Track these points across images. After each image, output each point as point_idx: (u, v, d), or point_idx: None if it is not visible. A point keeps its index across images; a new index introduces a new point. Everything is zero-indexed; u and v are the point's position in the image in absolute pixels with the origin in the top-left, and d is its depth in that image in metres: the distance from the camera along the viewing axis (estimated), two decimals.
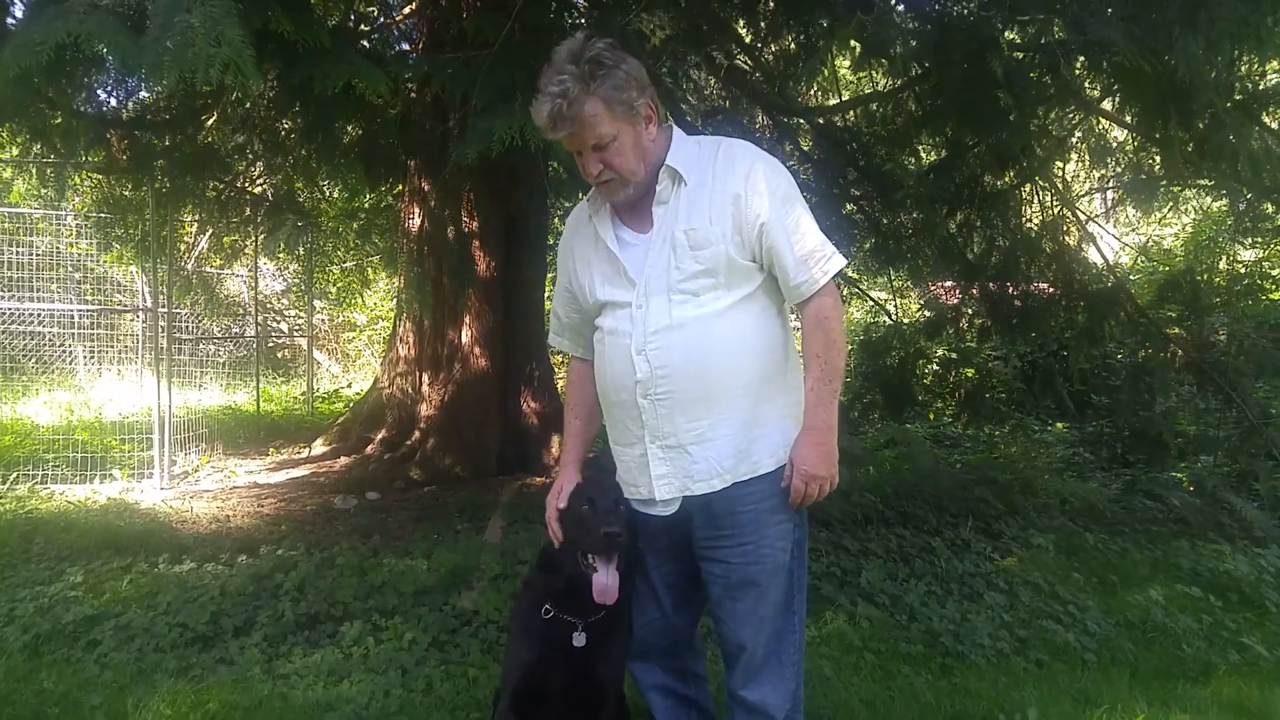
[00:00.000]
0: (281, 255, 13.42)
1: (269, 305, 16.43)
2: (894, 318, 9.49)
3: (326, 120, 5.23)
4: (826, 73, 7.77)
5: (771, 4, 6.34)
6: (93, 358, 12.62)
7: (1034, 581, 4.81)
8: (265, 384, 12.25)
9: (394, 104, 5.71)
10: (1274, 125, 6.07)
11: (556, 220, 8.46)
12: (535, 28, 4.73)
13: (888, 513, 5.94)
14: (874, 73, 7.44)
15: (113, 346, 12.75)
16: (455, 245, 7.47)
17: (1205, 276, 8.83)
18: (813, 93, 8.50)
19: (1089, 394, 10.17)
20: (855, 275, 9.17)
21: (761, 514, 2.37)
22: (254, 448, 8.54)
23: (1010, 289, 7.82)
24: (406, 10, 7.77)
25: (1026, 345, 10.45)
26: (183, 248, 10.43)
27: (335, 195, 10.87)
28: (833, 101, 8.20)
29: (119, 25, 3.07)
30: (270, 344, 16.86)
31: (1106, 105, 7.03)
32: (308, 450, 8.04)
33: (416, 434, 7.54)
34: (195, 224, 10.03)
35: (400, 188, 8.09)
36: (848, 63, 7.95)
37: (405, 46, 7.70)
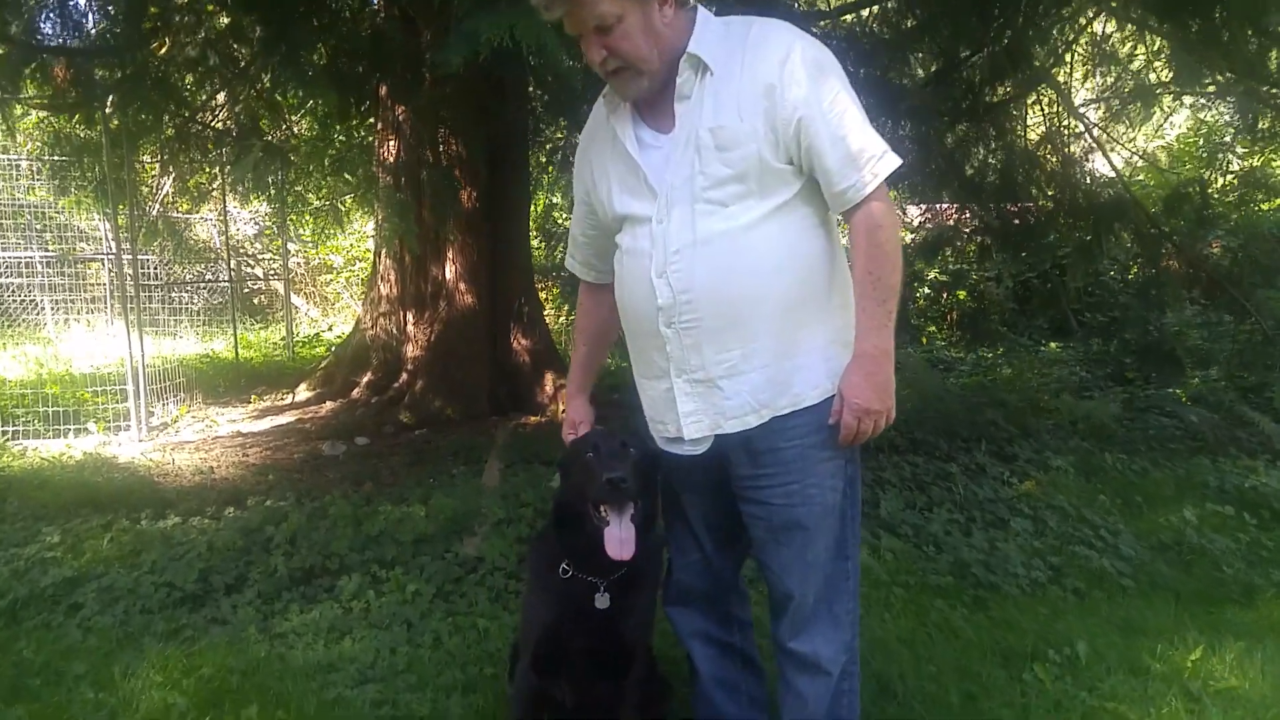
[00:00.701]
0: (251, 196, 12.91)
1: (241, 250, 15.92)
2: None
3: (290, 35, 4.79)
4: None
5: None
6: (60, 309, 12.17)
7: (1059, 506, 4.63)
8: (243, 331, 11.87)
9: (362, 15, 5.26)
10: None
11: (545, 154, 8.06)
12: None
13: (899, 440, 5.73)
14: None
15: (80, 296, 12.29)
16: (434, 176, 7.09)
17: (1215, 185, 8.54)
18: None
19: (1083, 312, 10.00)
20: None
21: (808, 450, 2.11)
22: (235, 396, 8.22)
23: (1010, 206, 7.57)
24: None
25: (1024, 265, 10.24)
26: (146, 191, 9.95)
27: (304, 128, 10.35)
28: (834, 3, 7.78)
29: None
30: (245, 290, 16.40)
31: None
32: (291, 396, 7.74)
33: (404, 376, 7.24)
34: (157, 165, 9.54)
35: (373, 119, 7.65)
36: None
37: None
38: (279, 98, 8.08)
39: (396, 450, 6.25)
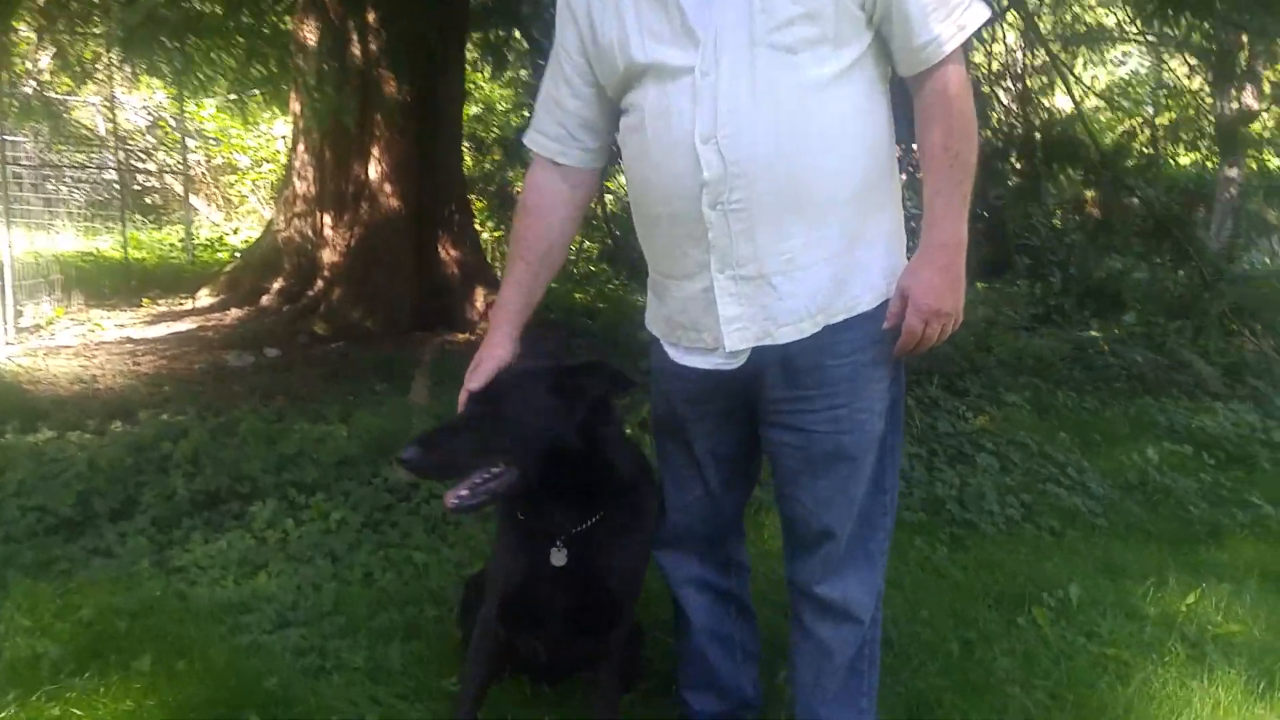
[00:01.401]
0: (142, 75, 11.69)
1: (131, 142, 14.57)
2: None
3: None
4: None
5: None
6: None
7: (1021, 442, 4.45)
8: (133, 230, 10.84)
9: None
10: None
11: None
12: None
13: None
14: None
15: None
16: (359, 62, 6.39)
17: (1164, 126, 8.49)
18: None
19: (1023, 251, 9.97)
20: None
21: (859, 368, 1.76)
22: (123, 300, 7.44)
23: None
24: None
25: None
26: (18, 64, 8.83)
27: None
28: None
29: None
30: (137, 186, 15.09)
31: None
32: (191, 302, 7.03)
33: (319, 283, 6.64)
34: (34, 35, 8.43)
35: None
36: None
37: None
38: None
39: (311, 363, 5.70)
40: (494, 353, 1.89)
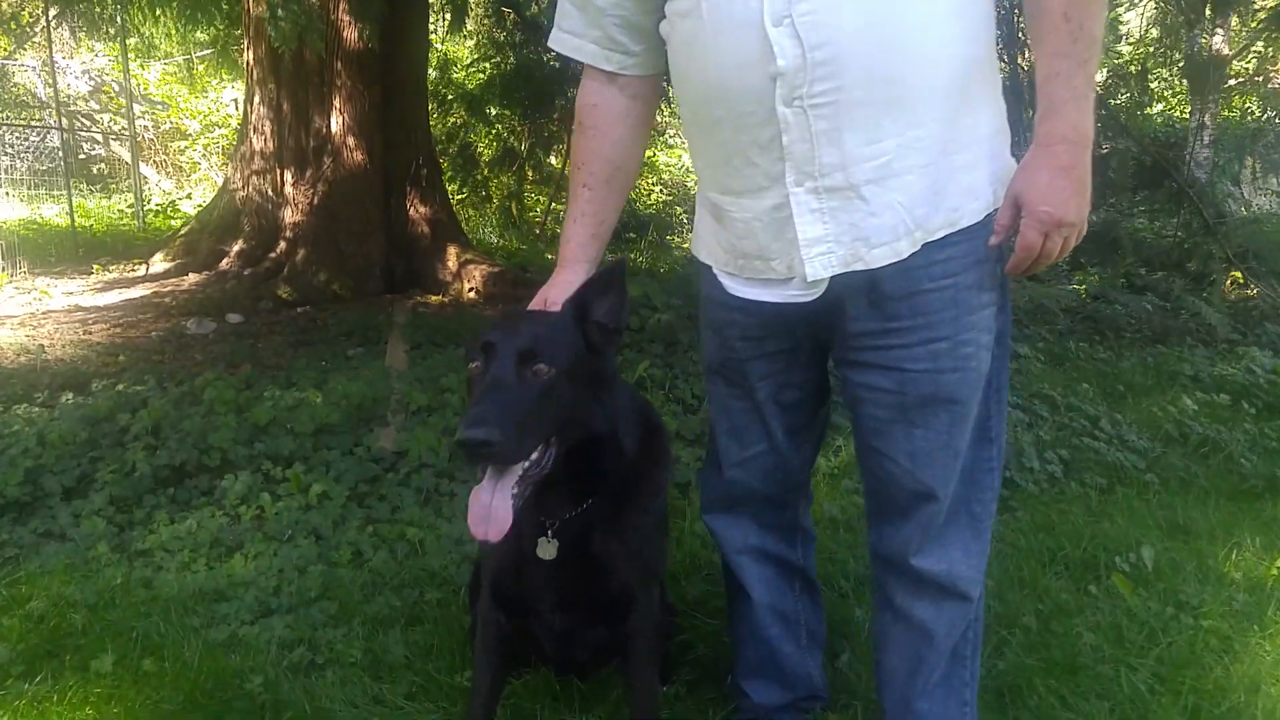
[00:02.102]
0: (82, 36, 11.04)
1: (74, 108, 13.82)
2: None
3: None
4: None
5: None
6: None
7: (1045, 395, 4.20)
8: (80, 199, 10.24)
9: None
10: None
11: None
12: None
13: None
14: None
15: None
16: (317, 6, 5.93)
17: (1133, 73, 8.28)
18: None
19: None
20: None
21: (961, 292, 1.47)
22: (71, 267, 6.93)
23: None
24: None
25: None
26: None
27: None
28: None
29: None
30: (81, 156, 14.34)
31: None
32: (145, 267, 6.55)
33: (281, 245, 6.20)
34: None
35: None
36: None
37: None
38: None
39: (276, 329, 5.30)
40: (564, 285, 1.64)
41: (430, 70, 10.72)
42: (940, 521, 1.58)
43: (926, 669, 1.66)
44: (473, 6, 8.27)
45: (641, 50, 1.61)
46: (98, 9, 9.30)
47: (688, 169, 13.01)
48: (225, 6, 9.04)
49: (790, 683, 1.88)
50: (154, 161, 14.23)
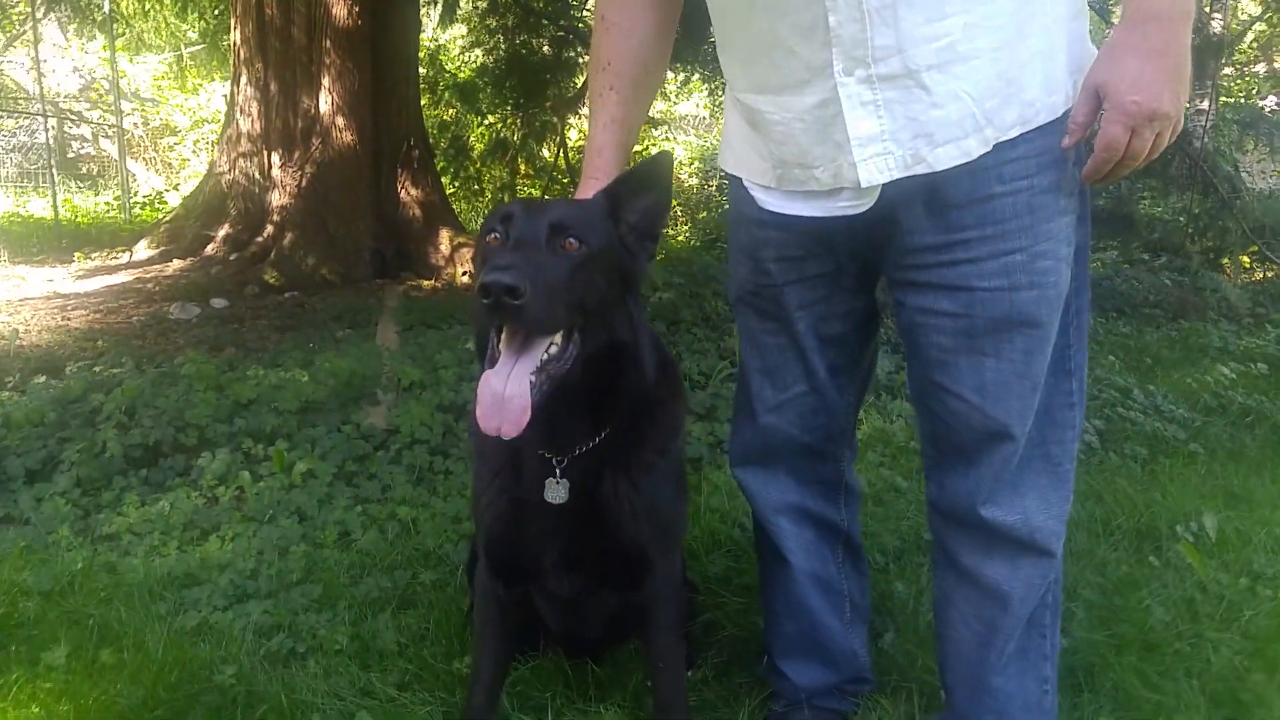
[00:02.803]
0: (69, 26, 10.80)
1: (61, 105, 13.57)
2: None
3: None
4: None
5: None
6: None
7: None
8: (67, 196, 10.00)
9: None
10: None
11: None
12: None
13: None
14: None
15: None
16: None
17: None
18: None
19: None
20: None
21: (1037, 196, 1.25)
22: (53, 256, 6.69)
23: None
24: None
25: None
26: None
27: None
28: None
29: None
30: (70, 154, 14.12)
31: None
32: (129, 255, 6.31)
33: (269, 229, 5.96)
34: None
35: None
36: None
37: None
38: None
39: (262, 314, 5.07)
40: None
41: (421, 59, 10.54)
42: (1014, 465, 1.36)
43: (1000, 639, 1.43)
44: None
45: None
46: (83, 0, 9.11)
47: (681, 161, 12.76)
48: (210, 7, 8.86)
49: (834, 662, 1.65)
50: (144, 158, 13.99)
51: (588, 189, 1.42)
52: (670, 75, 10.05)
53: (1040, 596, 1.44)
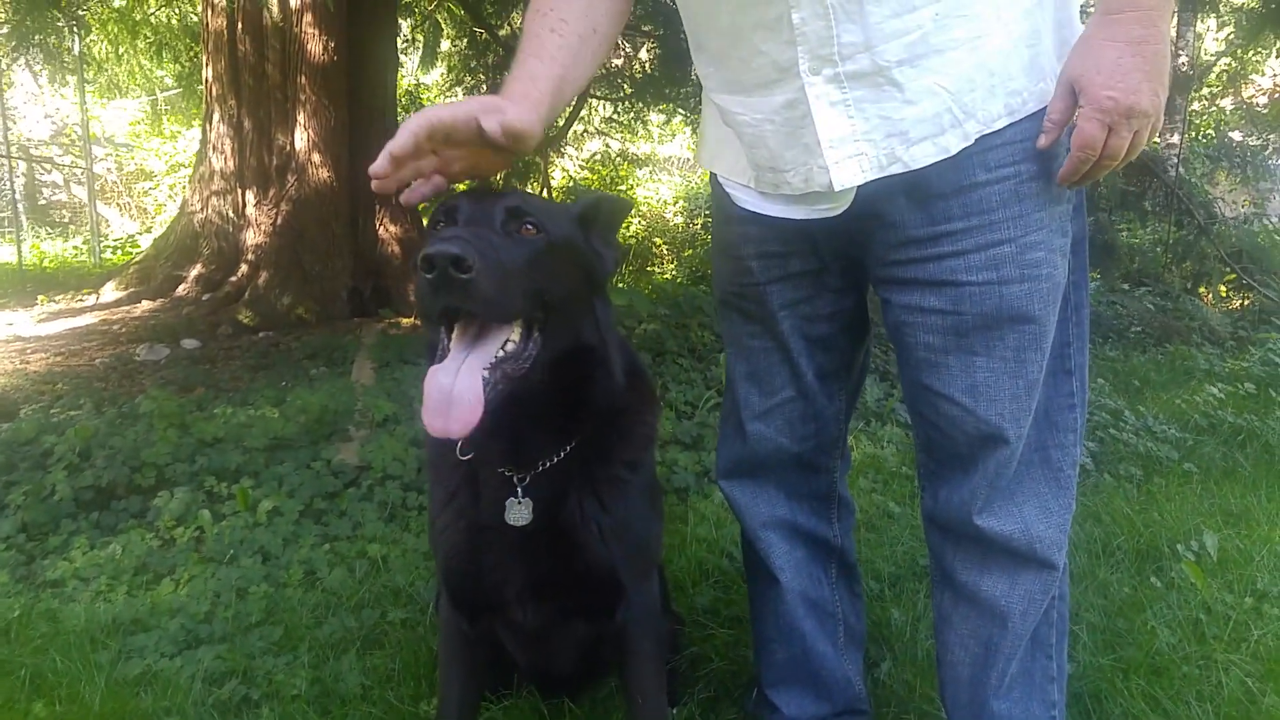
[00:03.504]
0: (43, 80, 10.74)
1: (33, 152, 13.48)
2: None
3: None
4: None
5: None
6: None
7: None
8: (36, 241, 9.86)
9: None
10: None
11: None
12: None
13: None
14: None
15: None
16: (279, 19, 5.68)
17: None
18: None
19: None
20: None
21: (1025, 184, 1.17)
22: (17, 301, 6.54)
23: None
24: None
25: None
26: None
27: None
28: None
29: None
30: (42, 201, 13.99)
31: None
32: (95, 296, 6.17)
33: (243, 268, 5.85)
34: None
35: None
36: None
37: None
38: None
39: (235, 354, 4.93)
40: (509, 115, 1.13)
41: (401, 99, 10.55)
42: (1010, 471, 1.26)
43: (1001, 659, 1.33)
44: (443, 25, 8.06)
45: None
46: (53, 41, 9.04)
47: (666, 201, 12.74)
48: (187, 42, 8.83)
49: (827, 691, 1.53)
50: (118, 204, 13.88)
51: (514, 109, 1.13)
52: (654, 118, 10.09)
53: (1043, 613, 1.34)
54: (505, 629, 1.42)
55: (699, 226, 10.90)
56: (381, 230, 6.23)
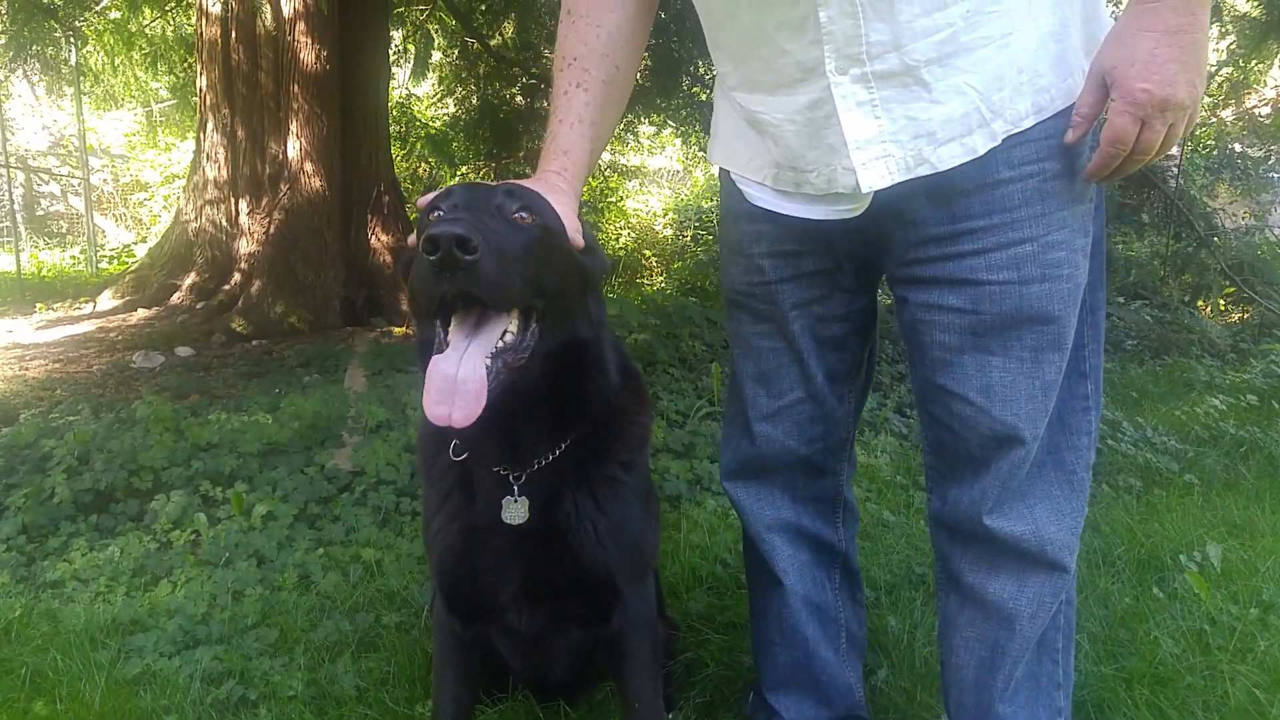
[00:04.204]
0: (40, 92, 10.76)
1: (31, 162, 13.49)
2: None
3: None
4: None
5: None
6: None
7: None
8: (34, 251, 9.87)
9: None
10: None
11: None
12: None
13: None
14: None
15: None
16: (272, 29, 5.72)
17: None
18: None
19: None
20: None
21: (1049, 182, 1.17)
22: (15, 309, 6.55)
23: None
24: None
25: None
26: None
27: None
28: None
29: None
30: (40, 212, 14.00)
31: None
32: (92, 305, 6.18)
33: (236, 276, 5.87)
34: None
35: None
36: None
37: None
38: None
39: (229, 362, 4.94)
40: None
41: (391, 110, 10.57)
42: (1024, 472, 1.27)
43: (1007, 663, 1.33)
44: (434, 35, 8.09)
45: None
46: (50, 52, 9.08)
47: (655, 213, 12.72)
48: (182, 53, 8.86)
49: (828, 697, 1.54)
50: (114, 214, 13.89)
51: (549, 185, 1.25)
52: (644, 130, 10.12)
53: (1050, 618, 1.34)
54: (500, 634, 1.43)
55: (689, 239, 10.92)
56: (373, 240, 6.26)
